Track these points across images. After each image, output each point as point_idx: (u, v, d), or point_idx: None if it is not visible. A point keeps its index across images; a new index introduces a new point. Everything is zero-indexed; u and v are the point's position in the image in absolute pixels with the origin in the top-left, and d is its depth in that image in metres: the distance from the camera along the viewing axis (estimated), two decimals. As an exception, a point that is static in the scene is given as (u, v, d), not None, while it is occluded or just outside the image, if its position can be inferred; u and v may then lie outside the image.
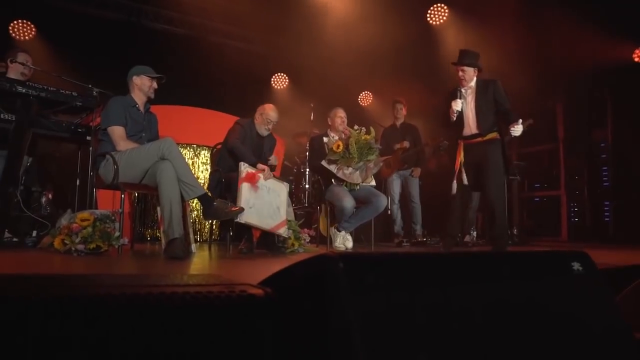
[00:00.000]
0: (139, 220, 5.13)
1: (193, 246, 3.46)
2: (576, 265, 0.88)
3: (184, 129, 5.28)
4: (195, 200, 3.43)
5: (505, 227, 4.12)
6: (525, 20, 5.86)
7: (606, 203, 6.31)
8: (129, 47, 5.90)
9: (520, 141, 6.91)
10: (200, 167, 5.53)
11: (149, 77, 3.54)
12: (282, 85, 8.17)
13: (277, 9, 6.68)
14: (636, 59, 5.98)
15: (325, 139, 4.49)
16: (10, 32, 6.16)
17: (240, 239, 3.80)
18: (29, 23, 6.23)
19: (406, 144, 5.66)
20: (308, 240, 4.17)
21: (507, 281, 0.81)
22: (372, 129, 4.25)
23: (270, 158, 4.01)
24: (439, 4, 6.97)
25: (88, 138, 3.75)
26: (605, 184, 6.36)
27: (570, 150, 6.73)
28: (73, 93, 3.67)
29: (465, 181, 3.93)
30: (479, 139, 3.91)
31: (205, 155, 5.52)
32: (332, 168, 4.23)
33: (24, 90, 3.41)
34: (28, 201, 3.74)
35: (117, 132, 3.33)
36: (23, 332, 0.62)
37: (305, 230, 4.28)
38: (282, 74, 8.16)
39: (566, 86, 6.49)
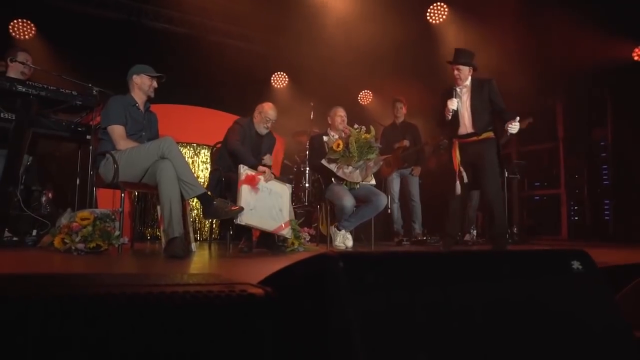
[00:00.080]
0: (139, 219, 5.13)
1: (193, 245, 3.46)
2: (576, 264, 0.88)
3: (184, 128, 5.28)
4: (195, 199, 3.43)
5: (505, 226, 4.13)
6: (525, 19, 5.86)
7: (606, 202, 6.32)
8: (129, 47, 5.90)
9: (520, 140, 6.93)
10: (200, 166, 5.53)
11: (149, 76, 3.53)
12: (282, 84, 8.17)
13: (277, 8, 6.67)
14: (636, 58, 5.97)
15: (325, 138, 4.49)
16: (10, 31, 6.16)
17: (240, 238, 3.80)
18: (29, 22, 6.23)
19: (406, 142, 5.66)
20: (308, 239, 4.18)
21: (507, 280, 0.81)
22: (372, 127, 4.25)
23: (265, 158, 3.98)
24: (438, 3, 6.96)
25: (88, 137, 3.75)
26: (605, 182, 6.36)
27: (570, 149, 6.74)
28: (73, 92, 3.67)
29: (465, 179, 3.95)
30: (474, 138, 3.92)
31: (205, 154, 5.53)
32: (332, 167, 4.23)
33: (24, 90, 3.41)
34: (28, 200, 3.74)
35: (117, 131, 3.33)
36: (23, 332, 0.62)
37: (305, 229, 4.29)
38: (282, 73, 8.15)
39: (566, 85, 6.50)
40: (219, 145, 4.13)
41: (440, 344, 0.68)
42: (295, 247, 3.85)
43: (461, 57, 3.95)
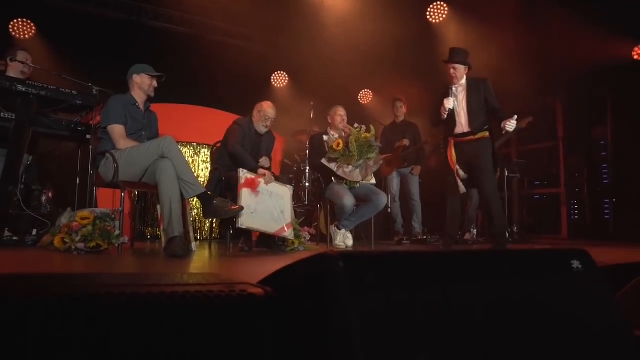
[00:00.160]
0: (139, 218, 5.13)
1: (193, 245, 3.47)
2: (576, 264, 0.88)
3: (184, 128, 5.28)
4: (196, 199, 3.43)
5: (504, 225, 4.14)
6: (525, 18, 5.86)
7: (606, 201, 6.31)
8: (129, 46, 5.90)
9: (520, 139, 6.94)
10: (200, 165, 5.53)
11: (149, 75, 3.53)
12: (282, 83, 8.17)
13: (277, 8, 6.67)
14: (636, 57, 5.97)
15: (325, 137, 4.50)
16: (10, 30, 6.15)
17: (240, 237, 3.80)
18: (29, 22, 6.23)
19: (406, 142, 5.65)
20: (308, 239, 4.18)
21: (507, 279, 0.81)
22: (372, 127, 4.25)
23: (261, 160, 3.95)
24: (438, 2, 6.96)
25: (88, 137, 3.75)
26: (605, 181, 6.36)
27: (570, 148, 6.73)
28: (73, 92, 3.67)
29: (463, 177, 3.97)
30: (471, 137, 3.94)
31: (205, 153, 5.52)
32: (332, 166, 4.23)
33: (24, 89, 3.41)
34: (28, 200, 3.74)
35: (117, 130, 3.33)
36: (23, 332, 0.62)
37: (306, 228, 4.29)
38: (282, 72, 8.15)
39: (566, 84, 6.50)
40: (219, 145, 4.13)
41: (440, 343, 0.68)
42: (295, 246, 3.85)
43: (457, 56, 3.99)
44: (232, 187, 3.60)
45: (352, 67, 7.15)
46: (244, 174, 3.55)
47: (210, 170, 4.20)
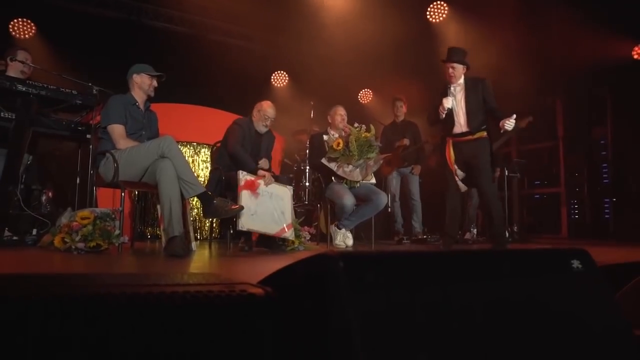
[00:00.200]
0: (139, 218, 5.13)
1: (193, 244, 3.47)
2: (576, 263, 0.88)
3: (184, 127, 5.28)
4: (196, 198, 3.43)
5: (504, 226, 4.15)
6: (525, 18, 5.86)
7: (606, 200, 6.31)
8: (129, 46, 5.90)
9: (520, 139, 6.94)
10: (201, 165, 5.53)
11: (149, 75, 3.53)
12: (282, 83, 8.17)
13: (277, 7, 6.67)
14: (636, 57, 5.97)
15: (325, 137, 4.49)
16: (10, 30, 6.16)
17: (240, 237, 3.80)
18: (29, 21, 6.23)
19: (406, 141, 5.66)
20: (308, 238, 4.18)
21: (507, 279, 0.81)
22: (372, 126, 4.25)
23: (260, 162, 3.93)
24: (438, 2, 6.96)
25: (88, 136, 3.75)
26: (605, 181, 6.36)
27: (570, 148, 6.74)
28: (73, 91, 3.67)
29: (462, 177, 3.98)
30: (469, 137, 3.94)
31: (205, 153, 5.52)
32: (332, 166, 4.23)
33: (24, 89, 3.41)
34: (28, 199, 3.75)
35: (117, 130, 3.33)
36: (23, 332, 0.62)
37: (306, 228, 4.28)
38: (282, 72, 8.15)
39: (566, 84, 6.50)
40: (219, 145, 4.13)
41: (440, 343, 0.67)
42: (296, 246, 3.85)
43: (455, 55, 4.00)
44: (232, 187, 3.59)
45: (352, 67, 7.15)
46: (243, 176, 3.54)
47: (210, 170, 4.20)
